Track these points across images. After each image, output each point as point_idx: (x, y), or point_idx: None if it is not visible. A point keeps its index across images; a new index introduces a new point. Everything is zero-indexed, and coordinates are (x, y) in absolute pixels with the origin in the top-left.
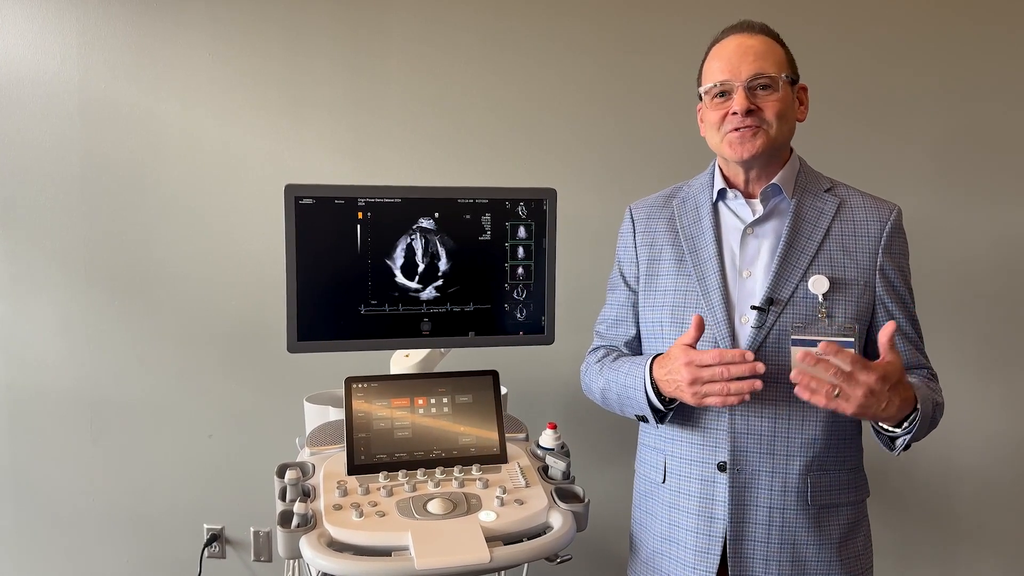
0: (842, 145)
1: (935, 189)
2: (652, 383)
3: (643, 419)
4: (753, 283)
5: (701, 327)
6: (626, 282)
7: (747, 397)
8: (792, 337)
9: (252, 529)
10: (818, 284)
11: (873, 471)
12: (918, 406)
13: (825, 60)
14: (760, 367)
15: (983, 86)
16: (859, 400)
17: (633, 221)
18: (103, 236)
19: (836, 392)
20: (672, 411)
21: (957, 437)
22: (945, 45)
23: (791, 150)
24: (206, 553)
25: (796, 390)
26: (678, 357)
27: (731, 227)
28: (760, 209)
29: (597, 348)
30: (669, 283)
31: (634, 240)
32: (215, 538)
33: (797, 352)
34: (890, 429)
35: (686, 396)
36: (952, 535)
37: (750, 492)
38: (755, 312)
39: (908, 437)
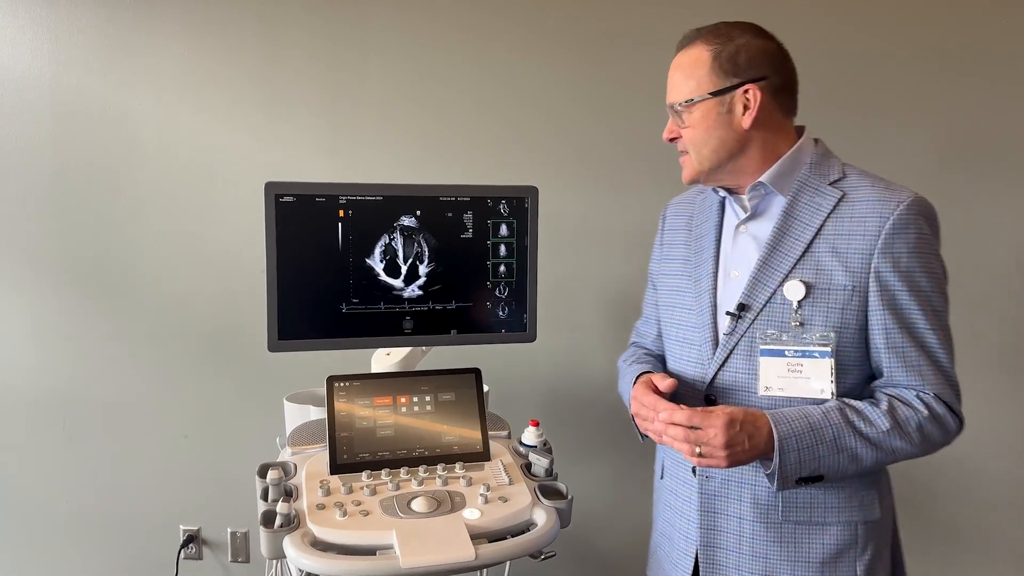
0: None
1: (946, 188)
2: None
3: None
4: (738, 285)
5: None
6: (652, 281)
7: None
8: (761, 347)
9: (229, 530)
10: (793, 290)
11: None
12: (776, 434)
13: (820, 54)
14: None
15: (986, 82)
16: (722, 452)
17: (663, 219)
18: (76, 234)
19: (697, 450)
20: None
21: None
22: (948, 39)
23: (797, 140)
24: (182, 555)
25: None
26: (636, 387)
27: (731, 225)
28: (749, 207)
29: (630, 346)
30: (675, 282)
31: (661, 239)
32: (191, 539)
33: (766, 362)
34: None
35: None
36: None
37: (719, 500)
38: (729, 317)
39: (777, 471)
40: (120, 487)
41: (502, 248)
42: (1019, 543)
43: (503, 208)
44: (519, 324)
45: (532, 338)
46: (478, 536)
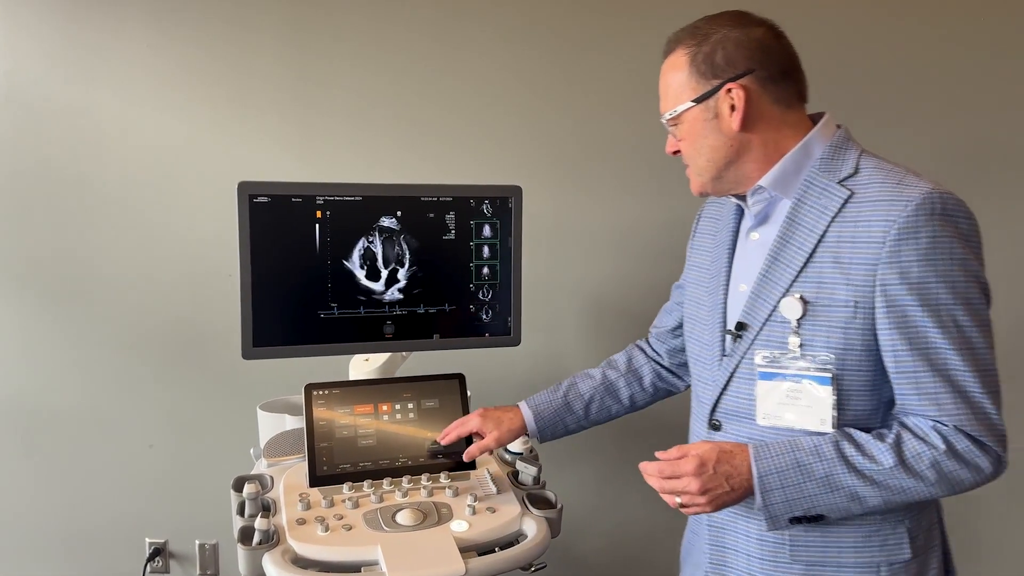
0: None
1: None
2: None
3: None
4: (743, 299)
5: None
6: (682, 281)
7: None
8: (759, 369)
9: (197, 542)
10: (790, 307)
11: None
12: (755, 472)
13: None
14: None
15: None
16: (702, 499)
17: (697, 220)
18: (34, 235)
19: (678, 500)
20: None
21: None
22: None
23: (807, 133)
24: (148, 568)
25: None
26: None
27: (744, 231)
28: (752, 213)
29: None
30: (695, 292)
31: (691, 241)
32: (158, 552)
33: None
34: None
35: None
36: None
37: (729, 534)
38: (730, 336)
39: (763, 510)
40: (82, 499)
41: (485, 249)
42: None
43: (486, 208)
44: (503, 327)
45: (517, 341)
46: (467, 549)
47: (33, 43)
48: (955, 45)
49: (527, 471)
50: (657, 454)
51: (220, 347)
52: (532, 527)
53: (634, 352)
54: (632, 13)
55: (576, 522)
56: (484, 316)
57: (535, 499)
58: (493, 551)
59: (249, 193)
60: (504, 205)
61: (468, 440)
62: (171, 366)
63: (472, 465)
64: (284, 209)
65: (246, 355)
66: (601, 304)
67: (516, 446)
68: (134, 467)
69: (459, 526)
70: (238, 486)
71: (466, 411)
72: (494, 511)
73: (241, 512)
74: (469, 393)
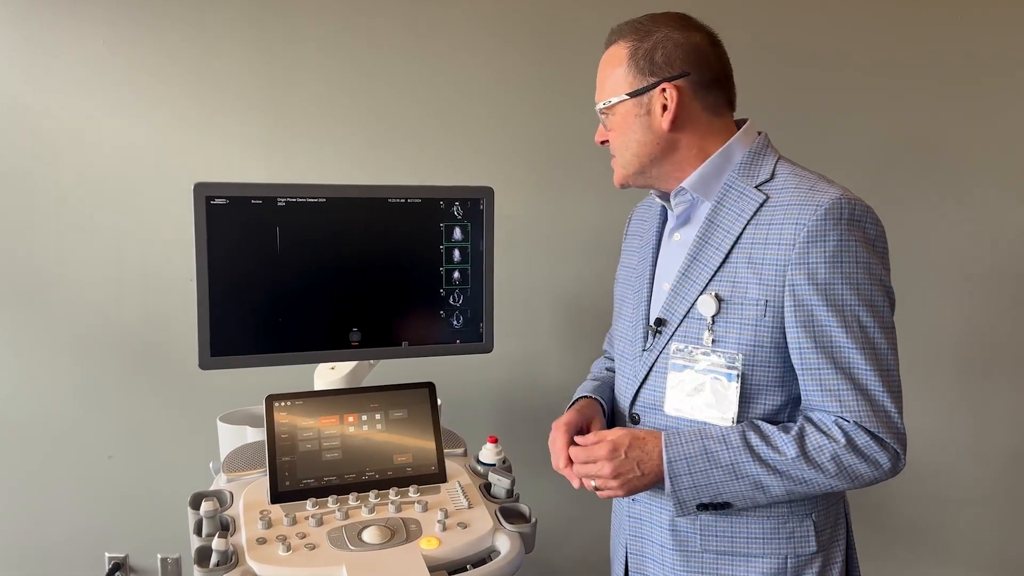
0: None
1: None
2: None
3: None
4: (665, 297)
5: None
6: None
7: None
8: (671, 361)
9: (159, 556)
10: (705, 305)
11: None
12: (665, 457)
13: (772, 51)
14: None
15: (935, 83)
16: (614, 482)
17: (628, 222)
18: None
19: (592, 484)
20: None
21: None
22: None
23: (730, 139)
24: None
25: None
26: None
27: (668, 232)
28: (675, 213)
29: (603, 353)
30: (621, 291)
31: (624, 242)
32: (118, 567)
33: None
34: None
35: None
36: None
37: (645, 525)
38: (651, 332)
39: (672, 496)
40: (39, 512)
41: (456, 253)
42: (976, 543)
43: (457, 210)
44: (475, 334)
45: (489, 348)
46: (436, 568)
47: None
48: (894, 41)
49: (500, 483)
50: (576, 439)
51: (181, 354)
52: (505, 543)
53: None
54: (608, 14)
55: (552, 534)
56: (455, 322)
57: (508, 513)
58: (464, 569)
59: (206, 195)
60: (475, 207)
61: (440, 456)
62: (131, 374)
63: (442, 478)
64: (243, 211)
65: (203, 365)
66: (576, 307)
67: (489, 457)
68: (92, 478)
69: (429, 543)
70: (195, 503)
71: (437, 422)
72: (465, 527)
73: (198, 531)
74: (440, 402)
